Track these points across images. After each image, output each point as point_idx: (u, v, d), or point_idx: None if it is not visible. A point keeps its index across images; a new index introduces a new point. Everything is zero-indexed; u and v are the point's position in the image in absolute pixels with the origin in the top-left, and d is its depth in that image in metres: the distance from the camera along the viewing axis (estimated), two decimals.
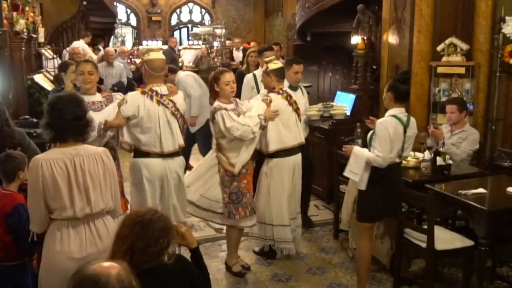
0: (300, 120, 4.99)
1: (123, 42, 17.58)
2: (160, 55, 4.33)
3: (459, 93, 5.88)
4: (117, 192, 3.05)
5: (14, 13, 7.31)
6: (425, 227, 3.92)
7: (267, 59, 4.96)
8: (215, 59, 13.31)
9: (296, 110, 4.88)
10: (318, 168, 6.11)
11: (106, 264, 1.83)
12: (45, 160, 2.77)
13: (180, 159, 4.40)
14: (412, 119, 4.04)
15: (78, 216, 2.81)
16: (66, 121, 2.82)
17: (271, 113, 4.63)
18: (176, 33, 21.41)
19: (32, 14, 8.77)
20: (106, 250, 2.71)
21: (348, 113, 6.36)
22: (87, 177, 2.83)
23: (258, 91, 5.53)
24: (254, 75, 5.87)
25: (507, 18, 5.59)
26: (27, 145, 3.90)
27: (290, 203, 4.88)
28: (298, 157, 4.89)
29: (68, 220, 2.81)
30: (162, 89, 4.25)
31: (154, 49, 4.44)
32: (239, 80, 7.07)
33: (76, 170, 2.81)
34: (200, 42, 15.58)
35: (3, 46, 4.73)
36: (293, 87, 5.39)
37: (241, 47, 13.64)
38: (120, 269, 1.80)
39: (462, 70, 5.92)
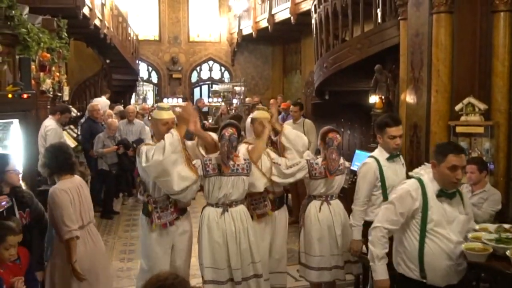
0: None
1: (144, 99, 17.95)
2: None
3: (479, 153, 5.86)
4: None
5: (41, 73, 7.56)
6: None
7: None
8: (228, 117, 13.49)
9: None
10: None
11: None
12: (68, 189, 4.07)
13: None
14: None
15: (85, 224, 4.16)
16: (59, 161, 4.14)
17: None
18: (196, 90, 21.84)
19: (58, 74, 9.05)
20: (100, 250, 4.35)
21: None
22: (85, 197, 4.23)
23: (383, 181, 4.41)
24: (378, 161, 4.40)
25: None
26: (34, 206, 4.06)
27: None
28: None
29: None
30: None
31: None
32: None
33: (81, 193, 4.18)
34: (220, 99, 15.85)
35: (32, 108, 4.89)
36: (393, 156, 4.44)
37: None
38: None
39: (481, 130, 5.91)
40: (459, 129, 6.02)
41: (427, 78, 6.32)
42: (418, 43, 6.37)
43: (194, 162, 4.37)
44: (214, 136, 4.68)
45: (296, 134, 4.99)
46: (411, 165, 6.59)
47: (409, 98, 6.65)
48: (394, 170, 4.43)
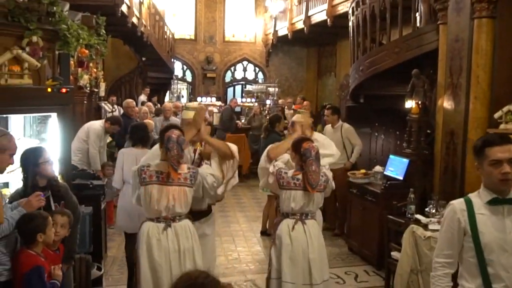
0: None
1: (178, 98, 18.08)
2: None
3: None
4: None
5: (79, 69, 7.69)
6: None
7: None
8: (267, 117, 13.47)
9: None
10: (369, 232, 6.00)
11: None
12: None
13: None
14: None
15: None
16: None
17: None
18: (230, 90, 21.91)
19: (95, 70, 9.19)
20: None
21: (401, 178, 6.28)
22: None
23: (475, 237, 2.80)
24: (471, 205, 2.90)
25: None
26: (68, 198, 4.12)
27: None
28: None
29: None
30: None
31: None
32: None
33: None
34: (253, 99, 15.86)
35: (70, 103, 4.98)
36: (502, 200, 2.81)
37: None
38: None
39: None
40: None
41: (466, 84, 6.20)
42: (457, 49, 6.25)
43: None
44: (233, 146, 4.46)
45: (324, 137, 5.00)
46: (445, 173, 6.49)
47: (447, 104, 6.53)
48: (501, 223, 2.78)
